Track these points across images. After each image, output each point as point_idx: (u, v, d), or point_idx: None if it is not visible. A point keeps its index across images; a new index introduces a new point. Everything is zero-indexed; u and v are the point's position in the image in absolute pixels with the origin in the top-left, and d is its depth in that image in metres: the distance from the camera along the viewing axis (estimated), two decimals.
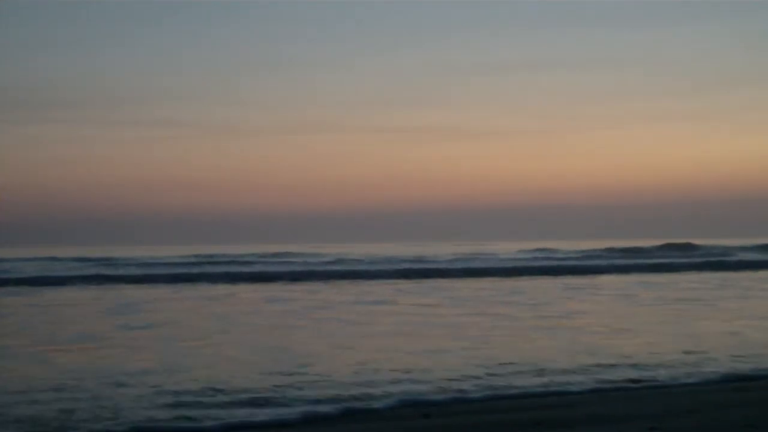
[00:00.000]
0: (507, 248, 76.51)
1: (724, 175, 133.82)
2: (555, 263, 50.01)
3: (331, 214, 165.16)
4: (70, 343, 15.24)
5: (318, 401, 9.68)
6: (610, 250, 62.71)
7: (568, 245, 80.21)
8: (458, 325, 17.96)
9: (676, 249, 64.41)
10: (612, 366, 12.09)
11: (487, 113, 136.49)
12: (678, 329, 16.92)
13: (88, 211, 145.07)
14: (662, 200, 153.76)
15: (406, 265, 47.07)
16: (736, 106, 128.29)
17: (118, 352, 14.00)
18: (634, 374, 11.50)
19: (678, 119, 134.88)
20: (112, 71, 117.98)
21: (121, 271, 41.84)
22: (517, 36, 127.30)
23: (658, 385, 10.79)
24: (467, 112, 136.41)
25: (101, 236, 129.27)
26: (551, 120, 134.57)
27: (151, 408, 9.29)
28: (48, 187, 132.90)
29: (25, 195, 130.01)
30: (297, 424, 8.73)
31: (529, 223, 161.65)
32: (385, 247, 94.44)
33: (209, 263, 49.20)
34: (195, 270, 42.63)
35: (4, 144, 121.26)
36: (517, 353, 13.46)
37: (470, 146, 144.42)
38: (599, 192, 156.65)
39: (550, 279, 38.13)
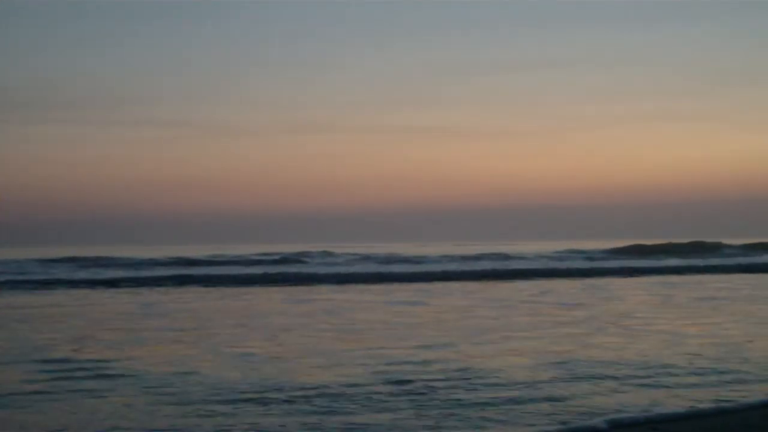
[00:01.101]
0: (515, 249, 75.55)
1: (725, 174, 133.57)
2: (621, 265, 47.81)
3: (330, 214, 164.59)
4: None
5: None
6: (626, 250, 61.76)
7: (572, 245, 79.44)
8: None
9: (701, 248, 63.36)
10: None
11: (487, 113, 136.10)
12: None
13: (87, 211, 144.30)
14: (663, 200, 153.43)
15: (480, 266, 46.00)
16: (737, 106, 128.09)
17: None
18: None
19: (678, 119, 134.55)
20: (112, 71, 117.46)
21: (155, 273, 40.66)
22: (518, 36, 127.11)
23: None
24: (467, 112, 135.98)
25: (101, 236, 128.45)
26: (551, 120, 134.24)
27: None
28: (48, 187, 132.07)
29: (25, 195, 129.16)
30: None
31: (530, 223, 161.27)
32: (392, 246, 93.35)
33: (223, 264, 48.39)
34: (218, 271, 41.86)
35: (4, 144, 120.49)
36: None
37: (470, 146, 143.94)
38: (600, 192, 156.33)
39: (609, 280, 36.92)
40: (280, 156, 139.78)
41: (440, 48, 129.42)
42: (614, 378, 10.73)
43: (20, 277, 36.95)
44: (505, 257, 57.06)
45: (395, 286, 33.70)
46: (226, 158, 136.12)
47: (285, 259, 52.68)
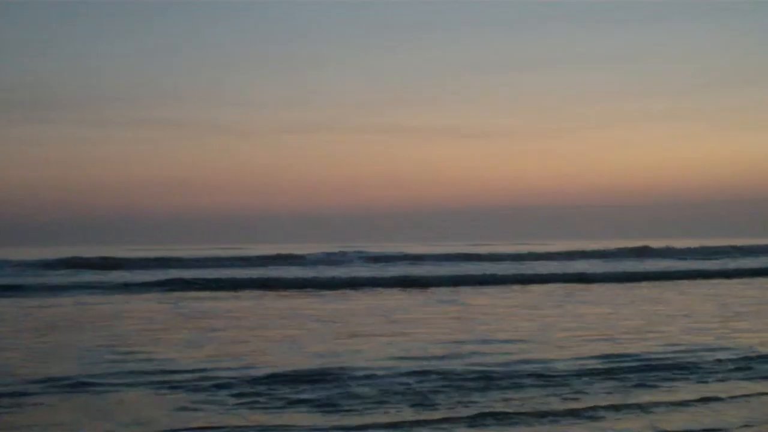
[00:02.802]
0: (523, 249, 74.96)
1: (724, 175, 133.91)
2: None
3: (330, 214, 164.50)
4: None
5: None
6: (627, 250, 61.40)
7: (574, 245, 79.09)
8: None
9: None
10: None
11: (487, 113, 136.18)
12: None
13: (86, 211, 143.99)
14: (662, 200, 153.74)
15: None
16: (736, 106, 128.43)
17: None
18: None
19: (677, 119, 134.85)
20: (111, 71, 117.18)
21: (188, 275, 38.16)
22: (517, 36, 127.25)
23: None
24: (467, 113, 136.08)
25: (101, 236, 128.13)
26: (551, 120, 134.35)
27: None
28: (47, 187, 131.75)
29: (23, 195, 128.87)
30: None
31: (530, 223, 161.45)
32: (393, 247, 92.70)
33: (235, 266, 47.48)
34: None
35: (4, 144, 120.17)
36: None
37: (470, 146, 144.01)
38: (600, 192, 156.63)
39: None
40: (279, 156, 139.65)
41: (440, 48, 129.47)
42: None
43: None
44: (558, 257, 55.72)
45: (441, 289, 31.50)
46: (225, 158, 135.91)
47: (307, 260, 49.49)
